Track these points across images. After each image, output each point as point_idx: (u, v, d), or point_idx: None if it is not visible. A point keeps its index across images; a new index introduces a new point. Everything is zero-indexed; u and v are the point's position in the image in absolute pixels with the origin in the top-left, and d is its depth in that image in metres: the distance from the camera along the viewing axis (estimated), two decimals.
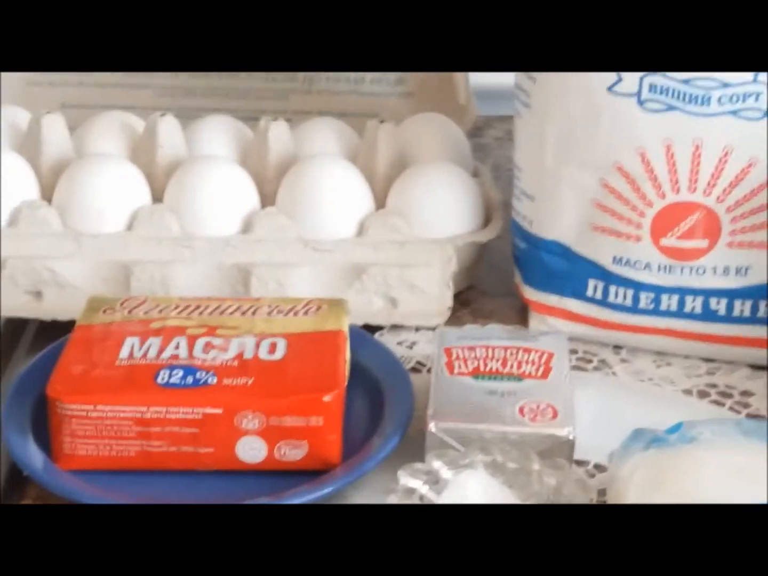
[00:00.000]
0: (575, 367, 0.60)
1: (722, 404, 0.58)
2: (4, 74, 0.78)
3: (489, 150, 0.84)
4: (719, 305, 0.59)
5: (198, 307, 0.57)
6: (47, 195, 0.65)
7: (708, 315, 0.59)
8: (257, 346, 0.53)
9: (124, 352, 0.53)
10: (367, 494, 0.51)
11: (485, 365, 0.54)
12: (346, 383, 0.53)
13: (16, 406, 0.54)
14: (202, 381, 0.51)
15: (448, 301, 0.63)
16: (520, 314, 0.65)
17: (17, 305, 0.62)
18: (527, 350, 0.55)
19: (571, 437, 0.50)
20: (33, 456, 0.51)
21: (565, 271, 0.61)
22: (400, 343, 0.63)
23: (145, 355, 0.53)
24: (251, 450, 0.51)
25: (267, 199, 0.66)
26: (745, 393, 0.59)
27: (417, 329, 0.64)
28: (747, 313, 0.59)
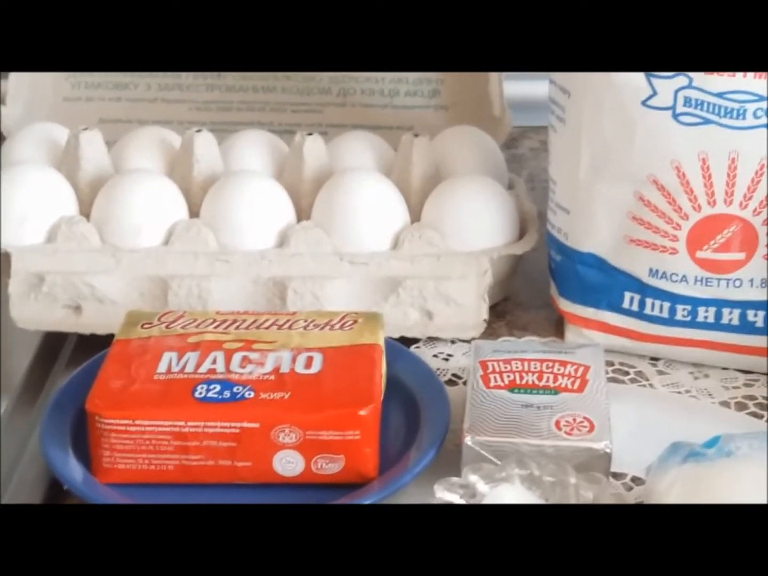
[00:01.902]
0: (612, 380, 0.60)
1: (761, 416, 0.58)
2: (40, 90, 0.79)
3: (524, 161, 0.84)
4: (757, 317, 0.59)
5: (235, 321, 0.57)
6: (85, 210, 0.66)
7: (745, 327, 0.59)
8: (294, 360, 0.54)
9: (162, 367, 0.53)
10: None
11: (521, 378, 0.54)
12: (382, 397, 0.53)
13: (56, 420, 0.54)
14: (239, 395, 0.52)
15: (484, 313, 0.63)
16: (556, 327, 0.65)
17: (56, 320, 0.63)
18: (563, 363, 0.55)
19: (607, 450, 0.50)
20: (72, 470, 0.52)
21: (601, 283, 0.61)
22: (435, 356, 0.63)
23: (182, 369, 0.53)
24: (288, 464, 0.51)
25: (302, 212, 0.67)
26: None
27: (453, 342, 0.64)
28: None
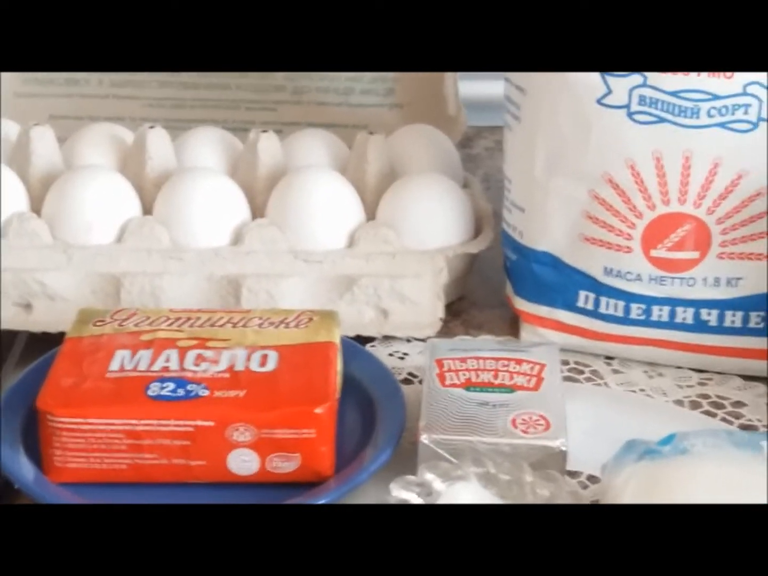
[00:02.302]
0: (567, 378, 0.60)
1: (714, 415, 0.58)
2: None
3: (479, 160, 0.84)
4: (710, 316, 0.59)
5: (189, 319, 0.56)
6: (36, 207, 0.65)
7: (699, 326, 0.59)
8: (248, 358, 0.53)
9: (114, 365, 0.53)
10: None
11: (477, 376, 0.54)
12: (338, 395, 0.53)
13: (7, 419, 0.53)
14: (193, 393, 0.51)
15: (440, 312, 0.63)
16: (512, 325, 0.65)
17: (7, 317, 0.62)
18: (519, 361, 0.55)
19: (563, 448, 0.50)
20: (24, 469, 0.51)
21: (556, 282, 0.61)
22: (391, 355, 0.63)
23: (135, 367, 0.52)
24: (243, 462, 0.51)
25: (257, 210, 0.66)
26: (737, 403, 0.59)
27: (408, 340, 0.64)
28: (738, 323, 0.59)
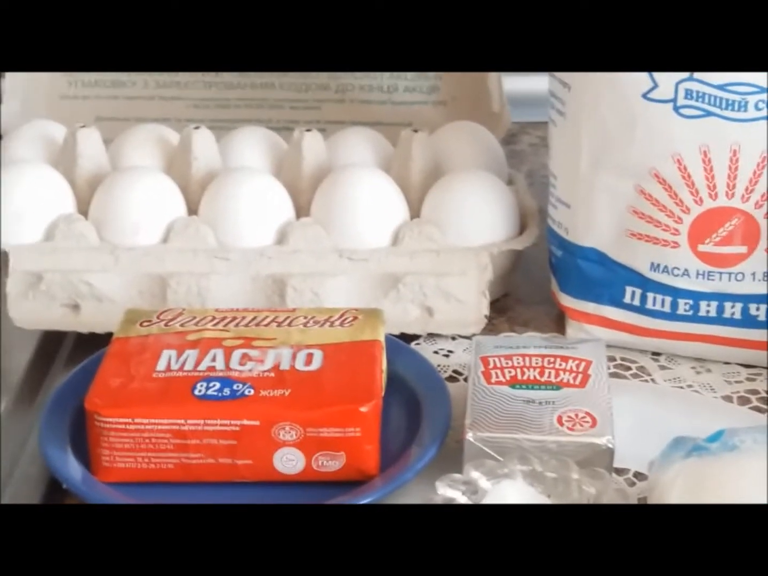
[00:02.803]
0: (613, 375, 0.60)
1: (763, 411, 0.58)
2: (37, 89, 0.79)
3: (523, 157, 0.84)
4: (759, 311, 0.59)
5: (234, 318, 0.57)
6: (83, 209, 0.66)
7: (748, 321, 0.59)
8: (294, 357, 0.53)
9: (161, 365, 0.53)
10: None
11: (522, 374, 0.54)
12: (383, 393, 0.53)
13: (55, 420, 0.54)
14: (239, 393, 0.51)
15: (485, 309, 0.63)
16: (557, 322, 0.65)
17: (55, 318, 0.62)
18: (565, 358, 0.54)
19: (610, 446, 0.50)
20: (72, 469, 0.52)
21: (602, 278, 0.61)
22: (436, 352, 0.63)
23: (182, 367, 0.53)
24: (289, 461, 0.51)
25: (302, 209, 0.66)
26: None
27: (453, 338, 0.64)
28: None
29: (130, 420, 0.50)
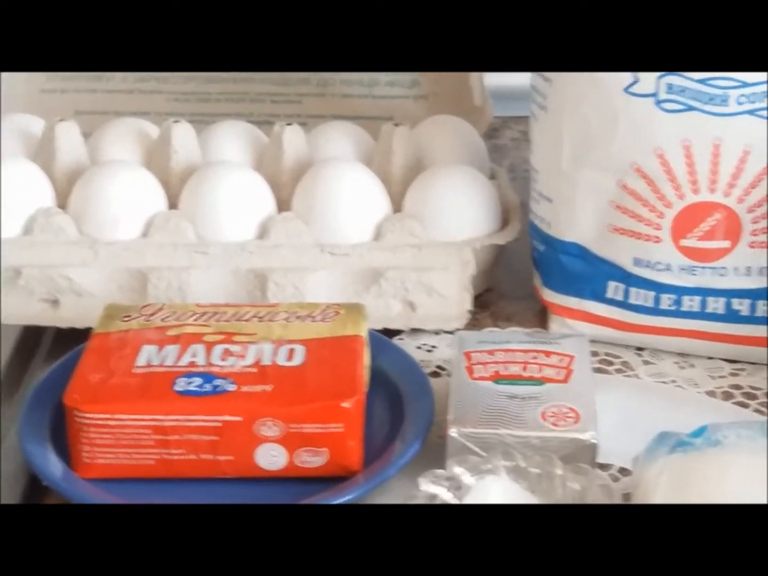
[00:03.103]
0: (597, 370, 0.60)
1: (747, 406, 0.58)
2: (16, 82, 0.78)
3: (505, 151, 0.84)
4: (742, 305, 0.59)
5: (215, 313, 0.56)
6: (62, 202, 0.65)
7: (731, 316, 0.59)
8: (275, 352, 0.53)
9: (141, 360, 0.53)
10: (388, 501, 0.50)
11: (506, 369, 0.53)
12: (365, 389, 0.53)
13: (34, 415, 0.54)
14: (220, 388, 0.51)
15: (468, 304, 0.63)
16: (540, 317, 0.65)
17: (34, 313, 0.62)
18: (548, 353, 0.54)
19: (593, 441, 0.50)
20: (52, 465, 0.51)
21: (585, 273, 0.61)
22: (419, 348, 0.62)
23: (162, 362, 0.52)
24: (271, 457, 0.51)
25: (283, 203, 0.66)
26: None
27: (436, 333, 0.63)
28: None
29: (110, 416, 0.50)
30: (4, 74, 0.78)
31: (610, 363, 0.61)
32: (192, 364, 0.52)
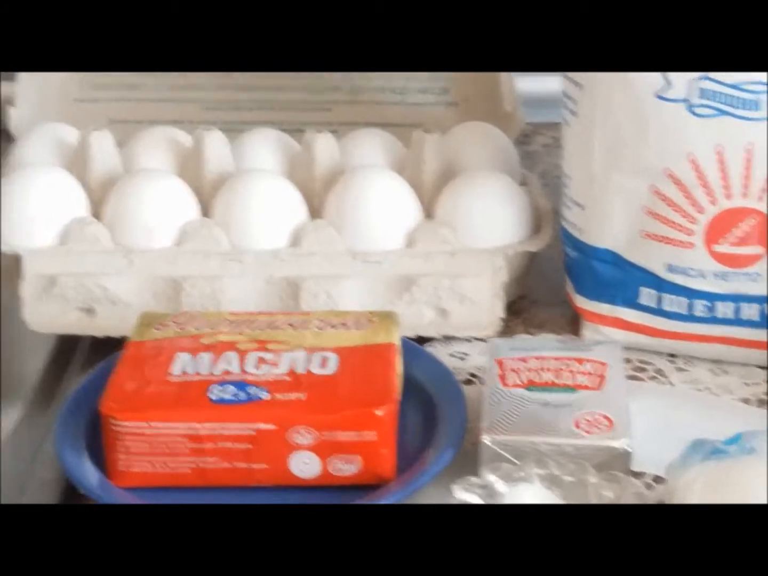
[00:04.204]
0: (630, 377, 0.59)
1: None
2: (50, 92, 0.79)
3: (537, 157, 0.84)
4: None
5: (248, 321, 0.56)
6: (97, 212, 0.66)
7: (766, 322, 0.58)
8: (308, 360, 0.53)
9: (176, 368, 0.53)
10: None
11: (539, 376, 0.53)
12: (398, 397, 0.53)
13: (70, 424, 0.54)
14: (254, 396, 0.51)
15: (500, 311, 0.63)
16: (573, 323, 0.64)
17: (69, 322, 0.62)
18: (581, 360, 0.54)
19: (627, 449, 0.49)
20: (88, 473, 0.52)
21: (617, 279, 0.61)
22: (452, 355, 0.62)
23: (197, 370, 0.53)
24: (304, 465, 0.51)
25: (315, 211, 0.66)
26: None
27: (469, 340, 0.63)
28: None
29: (145, 424, 0.50)
30: (39, 84, 0.78)
31: (644, 370, 0.61)
32: (226, 372, 0.53)
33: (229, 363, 0.53)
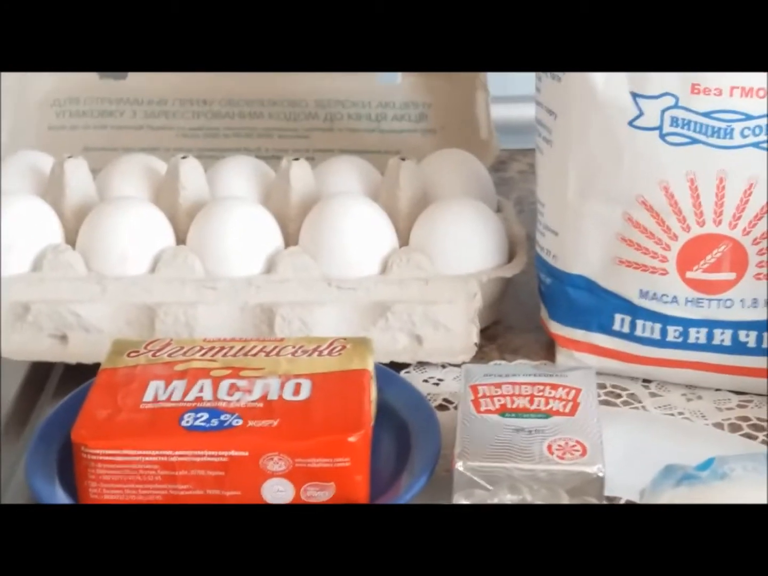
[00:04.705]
0: (604, 402, 0.60)
1: (755, 437, 0.57)
2: (25, 119, 0.79)
3: (513, 184, 0.84)
4: (749, 337, 0.58)
5: (222, 348, 0.56)
6: (71, 239, 0.65)
7: (738, 347, 0.59)
8: (282, 387, 0.53)
9: (148, 396, 0.53)
10: None
11: (512, 402, 0.53)
12: (372, 423, 0.53)
13: (42, 451, 0.54)
14: (227, 423, 0.51)
15: (474, 337, 0.63)
16: (547, 349, 0.65)
17: (42, 349, 0.62)
18: (555, 386, 0.54)
19: (600, 474, 0.49)
20: (59, 501, 0.51)
21: (591, 305, 0.61)
22: (426, 381, 0.62)
23: (169, 398, 0.52)
24: (278, 492, 0.51)
25: (290, 238, 0.66)
26: None
27: (443, 366, 0.63)
28: None
29: (117, 451, 0.50)
30: (14, 111, 0.78)
31: (617, 395, 0.61)
32: (199, 399, 0.52)
33: (202, 390, 0.53)
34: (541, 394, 0.54)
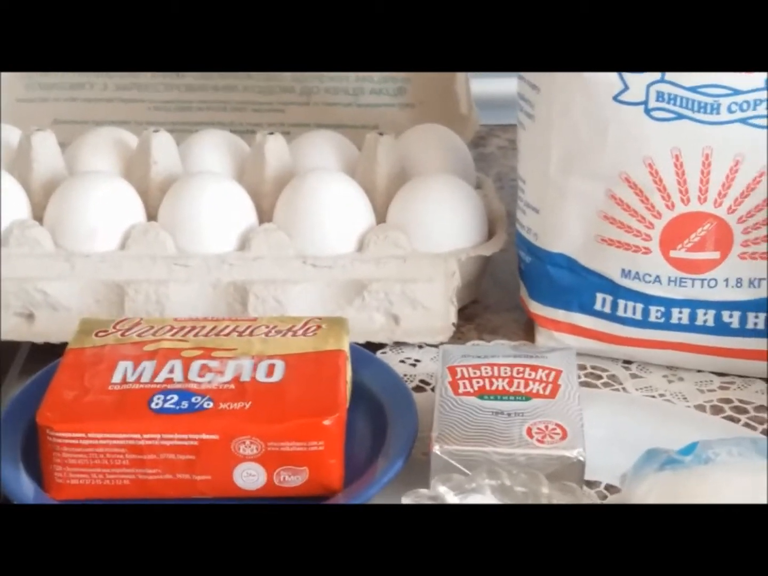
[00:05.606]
0: (584, 384, 0.59)
1: (737, 420, 0.57)
2: None
3: (492, 160, 0.83)
4: (732, 318, 0.58)
5: (193, 328, 0.55)
6: (38, 214, 0.64)
7: (721, 328, 0.58)
8: (255, 368, 0.52)
9: (116, 377, 0.51)
10: None
11: (491, 384, 0.52)
12: (347, 405, 0.51)
13: (6, 434, 0.52)
14: (197, 406, 0.50)
15: (452, 317, 0.62)
16: (527, 329, 0.64)
17: (8, 328, 0.61)
18: (534, 368, 0.53)
19: (581, 458, 0.48)
20: (24, 486, 0.50)
21: (572, 284, 0.60)
22: (403, 362, 0.61)
23: (138, 379, 0.51)
24: (249, 477, 0.49)
25: (264, 214, 0.65)
26: (760, 408, 0.58)
27: (420, 346, 0.62)
28: (761, 325, 0.57)
29: (83, 435, 0.49)
30: None
31: (598, 377, 0.60)
32: (169, 380, 0.51)
33: (172, 371, 0.52)
34: (520, 375, 0.53)
